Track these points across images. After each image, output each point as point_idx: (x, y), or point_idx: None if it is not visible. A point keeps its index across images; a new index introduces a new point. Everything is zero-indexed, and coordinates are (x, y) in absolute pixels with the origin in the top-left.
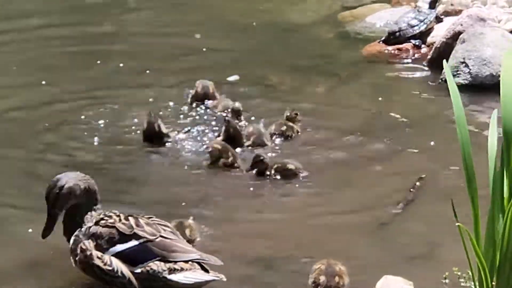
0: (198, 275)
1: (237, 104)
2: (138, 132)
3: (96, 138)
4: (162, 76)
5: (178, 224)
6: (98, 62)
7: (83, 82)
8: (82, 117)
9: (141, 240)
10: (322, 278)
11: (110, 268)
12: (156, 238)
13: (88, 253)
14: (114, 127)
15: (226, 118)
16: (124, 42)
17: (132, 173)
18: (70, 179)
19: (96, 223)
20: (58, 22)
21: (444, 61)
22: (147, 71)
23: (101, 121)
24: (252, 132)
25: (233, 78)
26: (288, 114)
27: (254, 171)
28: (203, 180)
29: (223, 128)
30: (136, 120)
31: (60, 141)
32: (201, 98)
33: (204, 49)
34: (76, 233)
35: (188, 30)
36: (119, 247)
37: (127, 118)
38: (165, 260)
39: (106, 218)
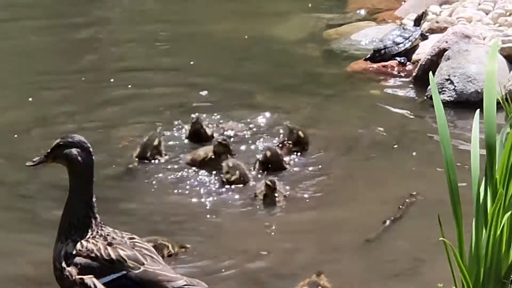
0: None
1: (221, 138)
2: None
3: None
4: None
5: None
6: None
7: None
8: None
9: (123, 272)
10: None
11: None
12: (139, 269)
13: (72, 278)
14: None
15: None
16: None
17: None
18: (80, 144)
19: (80, 250)
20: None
21: (430, 74)
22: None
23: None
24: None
25: (203, 93)
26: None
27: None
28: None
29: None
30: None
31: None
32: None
33: (191, 65)
34: (64, 248)
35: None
36: (102, 280)
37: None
38: None
39: (90, 243)
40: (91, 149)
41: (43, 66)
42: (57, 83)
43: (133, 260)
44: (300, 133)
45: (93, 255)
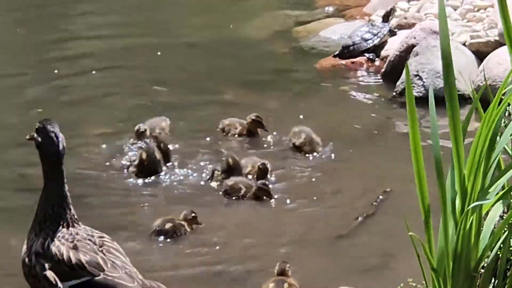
0: None
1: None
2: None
3: None
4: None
5: None
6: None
7: None
8: None
9: (83, 279)
10: (271, 285)
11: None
12: (99, 276)
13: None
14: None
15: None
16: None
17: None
18: (45, 131)
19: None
20: None
21: (407, 63)
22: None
23: None
24: None
25: (159, 88)
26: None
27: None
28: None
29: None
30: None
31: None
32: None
33: (157, 61)
34: (35, 244)
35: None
36: (64, 284)
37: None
38: None
39: (55, 245)
40: (56, 138)
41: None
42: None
43: (93, 267)
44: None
45: (56, 259)
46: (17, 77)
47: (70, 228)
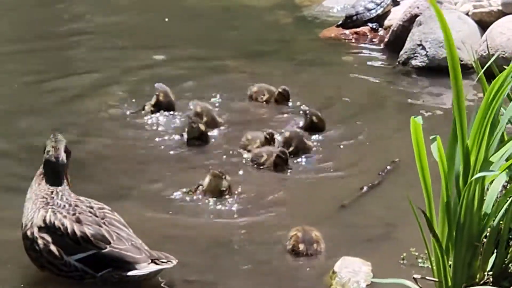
0: (152, 267)
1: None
2: None
3: None
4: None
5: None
6: None
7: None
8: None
9: (90, 252)
10: (302, 246)
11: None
12: (106, 249)
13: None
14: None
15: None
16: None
17: None
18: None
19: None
20: None
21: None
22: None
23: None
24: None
25: (159, 57)
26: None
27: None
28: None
29: None
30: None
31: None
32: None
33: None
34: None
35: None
36: (70, 258)
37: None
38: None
39: (57, 219)
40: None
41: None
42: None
43: (99, 240)
44: (314, 118)
45: (59, 233)
46: None
47: (68, 198)
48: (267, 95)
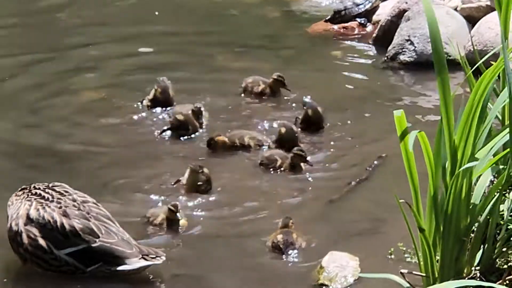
0: (142, 263)
1: (198, 105)
2: None
3: None
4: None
5: None
6: None
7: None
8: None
9: (79, 247)
10: (280, 236)
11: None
12: (95, 243)
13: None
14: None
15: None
16: None
17: None
18: None
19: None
20: None
21: None
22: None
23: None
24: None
25: (145, 49)
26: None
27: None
28: None
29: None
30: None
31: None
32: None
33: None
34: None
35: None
36: (59, 252)
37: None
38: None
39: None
40: None
41: None
42: None
43: (88, 234)
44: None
45: (49, 226)
46: None
47: (50, 191)
48: (262, 85)
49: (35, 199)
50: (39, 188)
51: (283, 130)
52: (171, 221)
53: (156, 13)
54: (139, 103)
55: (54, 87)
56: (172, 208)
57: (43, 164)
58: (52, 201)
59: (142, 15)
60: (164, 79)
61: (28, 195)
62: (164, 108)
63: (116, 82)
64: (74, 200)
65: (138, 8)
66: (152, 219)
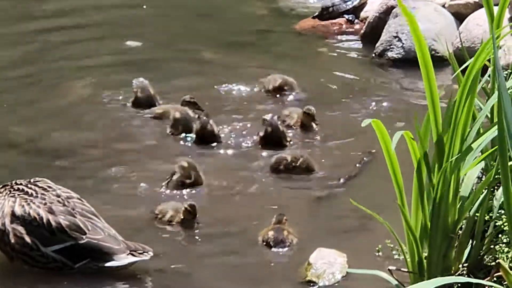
0: (130, 258)
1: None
2: None
3: None
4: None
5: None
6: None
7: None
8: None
9: (67, 244)
10: (271, 233)
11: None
12: (83, 240)
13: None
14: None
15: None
16: None
17: None
18: None
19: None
20: None
21: None
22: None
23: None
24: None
25: (132, 43)
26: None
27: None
28: None
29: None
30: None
31: None
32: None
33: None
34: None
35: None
36: (46, 249)
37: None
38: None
39: (32, 209)
40: None
41: None
42: None
43: (74, 230)
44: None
45: (35, 223)
46: None
47: (33, 186)
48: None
49: (18, 194)
50: (21, 184)
51: (269, 129)
52: (185, 220)
53: (144, 6)
54: (122, 104)
55: (40, 83)
56: (189, 208)
57: (29, 161)
58: (36, 196)
59: (131, 9)
60: (140, 79)
61: (10, 191)
62: (148, 108)
63: (103, 77)
64: (58, 196)
65: (125, 1)
66: (160, 216)
